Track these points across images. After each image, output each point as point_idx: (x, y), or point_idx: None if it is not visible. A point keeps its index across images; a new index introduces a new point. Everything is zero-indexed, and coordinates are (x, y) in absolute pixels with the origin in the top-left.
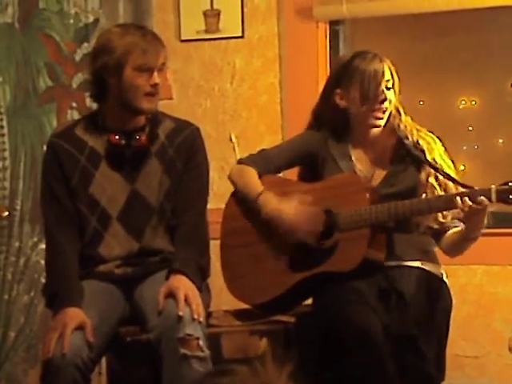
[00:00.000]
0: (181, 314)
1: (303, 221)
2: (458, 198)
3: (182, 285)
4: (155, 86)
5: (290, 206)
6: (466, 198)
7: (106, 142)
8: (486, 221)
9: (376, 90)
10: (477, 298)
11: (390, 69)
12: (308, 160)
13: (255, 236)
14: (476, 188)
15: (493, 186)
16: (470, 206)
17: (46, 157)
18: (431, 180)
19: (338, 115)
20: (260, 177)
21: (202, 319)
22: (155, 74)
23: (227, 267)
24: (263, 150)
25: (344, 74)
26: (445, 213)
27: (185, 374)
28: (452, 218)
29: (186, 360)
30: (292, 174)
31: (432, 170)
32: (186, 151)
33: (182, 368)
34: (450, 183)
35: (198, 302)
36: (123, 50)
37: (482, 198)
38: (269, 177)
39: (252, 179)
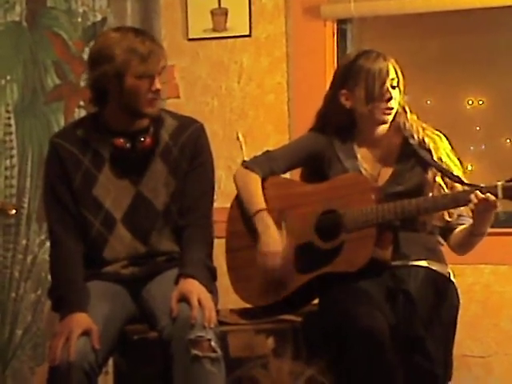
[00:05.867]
0: (193, 322)
1: (278, 261)
2: (465, 196)
3: (195, 289)
4: (157, 91)
5: (269, 242)
6: (473, 196)
7: (110, 145)
8: (492, 217)
9: (381, 88)
10: (484, 297)
11: (394, 67)
12: (313, 161)
13: None
14: (482, 185)
15: (499, 183)
16: (477, 203)
17: (47, 157)
18: (438, 179)
19: (344, 116)
20: (265, 179)
21: (213, 325)
22: (156, 79)
23: (233, 269)
24: (268, 151)
25: (349, 74)
26: (451, 211)
27: (196, 375)
28: (458, 216)
29: (197, 361)
30: (296, 174)
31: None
32: (191, 150)
33: (194, 368)
34: (457, 183)
35: (211, 307)
36: (123, 59)
37: (488, 194)
38: (273, 178)
39: (254, 192)
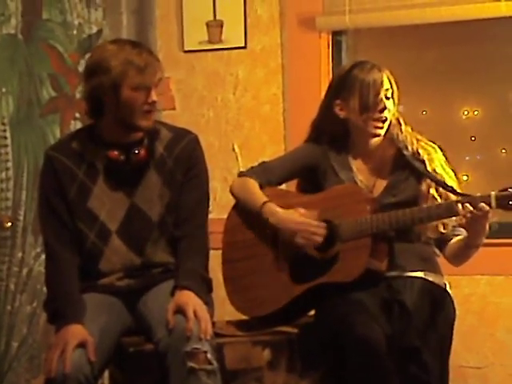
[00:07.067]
0: (189, 334)
1: (305, 230)
2: (459, 205)
3: (191, 301)
4: (153, 103)
5: (293, 216)
6: (467, 204)
7: (104, 157)
8: (487, 228)
9: (375, 99)
10: (480, 308)
11: (388, 78)
12: (308, 172)
13: (257, 249)
14: (475, 195)
15: (492, 193)
16: (471, 211)
17: (42, 169)
18: (432, 191)
19: (338, 126)
20: (261, 188)
21: (209, 337)
22: (153, 91)
23: (229, 281)
24: (264, 162)
25: (343, 84)
26: (445, 222)
27: None
28: (453, 227)
29: (193, 373)
30: (292, 186)
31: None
32: (186, 161)
33: (190, 381)
34: (451, 194)
35: (207, 319)
36: (119, 70)
37: (482, 204)
38: (270, 189)
39: (255, 190)
